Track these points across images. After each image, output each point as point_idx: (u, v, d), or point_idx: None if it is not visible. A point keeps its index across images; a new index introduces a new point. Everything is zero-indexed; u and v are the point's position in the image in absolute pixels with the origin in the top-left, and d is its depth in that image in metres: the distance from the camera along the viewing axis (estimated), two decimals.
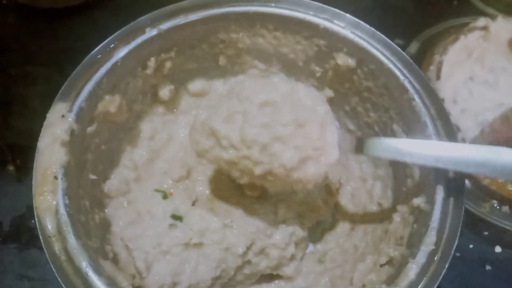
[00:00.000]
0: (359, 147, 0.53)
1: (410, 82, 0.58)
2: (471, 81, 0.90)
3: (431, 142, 0.53)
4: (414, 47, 0.93)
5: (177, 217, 0.62)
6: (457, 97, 0.88)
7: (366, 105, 0.67)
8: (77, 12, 0.97)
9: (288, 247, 0.60)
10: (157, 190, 0.65)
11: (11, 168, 0.81)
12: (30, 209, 0.76)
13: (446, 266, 0.48)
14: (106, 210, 0.60)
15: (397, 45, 0.92)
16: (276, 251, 0.60)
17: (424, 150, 0.49)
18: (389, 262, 0.53)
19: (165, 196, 0.65)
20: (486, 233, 0.76)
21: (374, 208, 0.65)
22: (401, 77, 0.59)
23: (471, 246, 0.75)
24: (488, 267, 0.74)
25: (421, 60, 0.88)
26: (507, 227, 0.75)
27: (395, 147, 0.50)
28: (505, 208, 0.76)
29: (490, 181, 0.75)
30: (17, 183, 0.79)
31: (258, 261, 0.60)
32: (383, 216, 0.63)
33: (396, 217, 0.58)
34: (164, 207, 0.63)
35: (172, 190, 0.66)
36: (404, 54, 0.61)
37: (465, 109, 0.87)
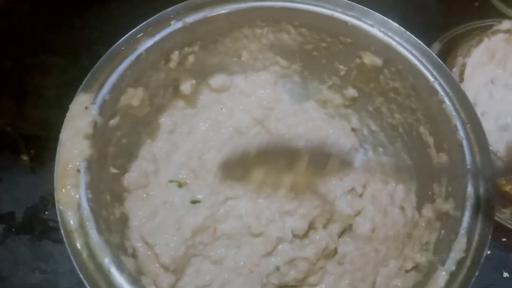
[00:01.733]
0: None
1: (440, 84, 0.57)
2: (492, 84, 0.89)
3: None
4: (436, 48, 0.91)
5: (195, 201, 0.62)
6: (478, 100, 0.87)
7: (391, 106, 0.65)
8: (94, 2, 0.95)
9: (318, 262, 0.60)
10: (171, 181, 0.65)
11: (25, 158, 0.80)
12: (43, 200, 0.75)
13: (476, 274, 0.47)
14: (125, 204, 0.59)
15: None
16: (306, 264, 0.59)
17: None
18: (415, 268, 0.52)
19: (180, 185, 0.64)
20: (504, 239, 0.75)
21: (396, 211, 0.64)
22: (431, 79, 0.57)
23: (489, 252, 0.74)
24: (505, 274, 0.73)
25: (443, 62, 0.86)
26: None
27: None
28: None
29: (511, 187, 0.74)
30: (31, 174, 0.78)
31: (287, 271, 0.59)
32: (405, 220, 0.62)
33: (422, 222, 0.57)
34: (181, 195, 0.63)
35: (187, 180, 0.65)
36: (434, 55, 0.59)
37: (486, 112, 0.86)
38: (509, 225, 0.75)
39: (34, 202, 0.75)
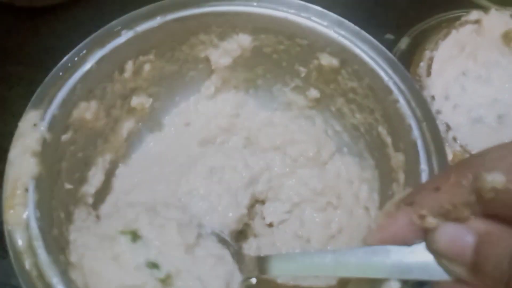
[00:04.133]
0: (262, 268, 0.50)
1: (394, 83, 0.56)
2: (463, 77, 0.88)
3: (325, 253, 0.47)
4: (404, 42, 0.90)
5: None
6: (449, 93, 0.86)
7: (351, 106, 0.65)
8: (58, 9, 0.94)
9: None
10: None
11: None
12: None
13: None
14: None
15: (388, 40, 0.92)
16: None
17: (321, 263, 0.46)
18: None
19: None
20: None
21: (360, 211, 0.63)
22: (386, 78, 0.57)
23: None
24: None
25: (412, 56, 0.86)
26: None
27: (294, 265, 0.48)
28: None
29: None
30: None
31: None
32: (369, 220, 0.62)
33: None
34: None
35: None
36: (390, 54, 0.58)
37: (458, 105, 0.85)
38: None
39: (1, 218, 0.74)
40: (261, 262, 0.50)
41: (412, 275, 0.42)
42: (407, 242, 0.41)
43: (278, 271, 0.50)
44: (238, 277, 0.52)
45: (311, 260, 0.46)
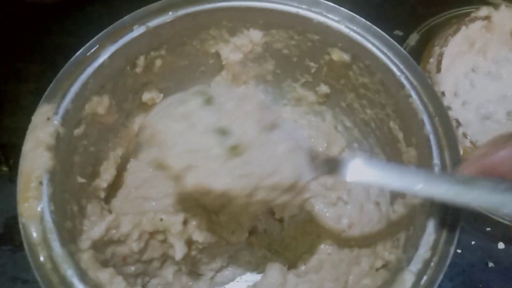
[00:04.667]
0: (334, 169, 0.47)
1: (406, 78, 0.56)
2: (473, 73, 0.88)
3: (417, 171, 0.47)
4: (413, 38, 0.90)
5: None
6: (459, 90, 0.86)
7: (362, 101, 0.65)
8: (69, 7, 0.94)
9: None
10: None
11: (4, 168, 0.79)
12: None
13: (444, 271, 0.46)
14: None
15: (397, 36, 0.92)
16: None
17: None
18: (385, 266, 0.52)
19: None
20: (488, 229, 0.74)
21: (371, 207, 0.63)
22: (398, 73, 0.57)
23: (473, 242, 0.74)
24: (490, 264, 0.72)
25: (421, 52, 0.86)
26: (510, 224, 0.73)
27: (373, 172, 0.46)
28: None
29: None
30: (10, 183, 0.78)
31: None
32: (380, 215, 0.62)
33: (394, 218, 0.56)
34: None
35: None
36: (401, 48, 0.59)
37: (467, 102, 0.85)
38: (490, 215, 0.74)
39: (14, 212, 0.73)
40: (337, 164, 0.47)
41: (506, 209, 0.40)
42: (504, 176, 0.39)
43: (356, 176, 0.46)
44: (310, 174, 0.48)
45: (399, 172, 0.44)
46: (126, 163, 0.67)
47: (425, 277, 0.45)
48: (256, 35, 0.65)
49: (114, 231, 0.55)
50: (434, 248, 0.47)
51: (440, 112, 0.54)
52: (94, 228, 0.53)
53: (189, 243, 0.58)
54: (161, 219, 0.56)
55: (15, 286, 0.70)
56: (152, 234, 0.57)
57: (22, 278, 0.70)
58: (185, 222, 0.57)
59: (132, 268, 0.58)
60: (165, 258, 0.60)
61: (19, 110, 0.83)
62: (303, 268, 0.62)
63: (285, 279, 0.58)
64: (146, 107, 0.67)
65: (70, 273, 0.45)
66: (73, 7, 0.95)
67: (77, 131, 0.55)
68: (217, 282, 0.64)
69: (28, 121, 0.54)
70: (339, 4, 0.62)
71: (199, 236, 0.56)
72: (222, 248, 0.61)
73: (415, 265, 0.46)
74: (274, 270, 0.59)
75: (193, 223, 0.57)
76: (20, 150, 0.77)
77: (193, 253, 0.59)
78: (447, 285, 0.70)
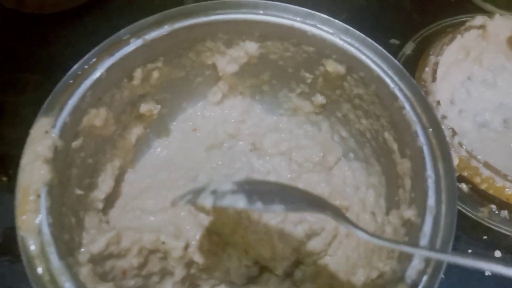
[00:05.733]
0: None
1: (400, 89, 0.57)
2: (469, 81, 0.89)
3: None
4: (409, 47, 0.91)
5: None
6: (455, 98, 0.86)
7: (357, 112, 0.65)
8: (67, 17, 0.95)
9: None
10: None
11: (4, 178, 0.80)
12: None
13: (438, 282, 0.47)
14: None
15: (393, 45, 0.93)
16: None
17: None
18: (380, 276, 0.52)
19: None
20: (485, 237, 0.75)
21: (367, 217, 0.64)
22: (391, 85, 0.57)
23: (469, 251, 0.74)
24: (487, 273, 0.72)
25: (417, 61, 0.86)
26: (507, 232, 0.73)
27: None
28: (504, 213, 0.75)
29: (488, 185, 0.73)
30: (9, 193, 0.78)
31: None
32: (376, 226, 0.62)
33: (388, 229, 0.56)
34: None
35: None
36: (395, 60, 0.59)
37: (463, 110, 0.85)
38: (487, 224, 0.74)
39: (13, 223, 0.74)
40: None
41: None
42: None
43: None
44: None
45: None
46: (124, 174, 0.67)
47: (421, 285, 0.45)
48: (252, 47, 0.66)
49: (114, 247, 0.55)
50: (428, 258, 0.47)
51: (433, 123, 0.55)
52: (94, 242, 0.54)
53: (189, 264, 0.59)
54: (163, 243, 0.57)
55: None
56: (152, 251, 0.58)
57: None
58: (186, 247, 0.58)
59: (132, 282, 0.58)
60: (164, 273, 0.60)
61: (18, 120, 0.84)
62: (299, 276, 0.63)
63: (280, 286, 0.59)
64: (143, 118, 0.68)
65: (67, 286, 0.45)
66: (71, 17, 0.96)
67: (75, 144, 0.56)
68: None
69: (27, 131, 0.54)
70: (336, 13, 0.63)
71: (199, 259, 0.58)
72: (221, 267, 0.61)
73: (410, 276, 0.46)
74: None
75: (193, 243, 0.58)
76: (19, 160, 0.79)
77: (193, 271, 0.59)
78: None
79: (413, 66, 0.86)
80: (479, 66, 0.89)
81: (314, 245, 0.62)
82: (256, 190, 0.44)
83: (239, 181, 0.45)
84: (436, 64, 0.81)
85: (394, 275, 0.49)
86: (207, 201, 0.44)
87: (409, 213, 0.52)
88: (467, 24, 0.86)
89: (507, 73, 0.89)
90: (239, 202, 0.42)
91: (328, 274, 0.61)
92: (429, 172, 0.52)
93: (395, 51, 0.91)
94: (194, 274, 0.60)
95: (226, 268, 0.61)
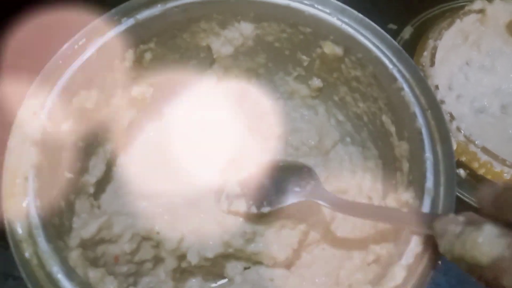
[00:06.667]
0: None
1: (399, 70, 0.56)
2: (467, 66, 0.87)
3: None
4: (407, 32, 0.89)
5: None
6: (453, 83, 0.85)
7: (355, 95, 0.64)
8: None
9: None
10: None
11: None
12: None
13: (436, 266, 0.46)
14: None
15: (391, 30, 0.91)
16: None
17: None
18: (377, 260, 0.51)
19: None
20: None
21: (364, 201, 0.63)
22: (390, 66, 0.56)
23: None
24: None
25: (415, 46, 0.85)
26: None
27: None
28: None
29: (486, 170, 0.73)
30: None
31: None
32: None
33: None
34: None
35: None
36: (394, 41, 0.58)
37: (461, 95, 0.84)
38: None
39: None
40: None
41: None
42: None
43: None
44: None
45: None
46: (115, 158, 0.66)
47: (417, 271, 0.44)
48: (247, 28, 0.64)
49: (106, 232, 0.54)
50: (426, 242, 0.46)
51: (432, 105, 0.54)
52: (86, 227, 0.53)
53: (181, 257, 0.58)
54: (158, 233, 0.56)
55: (6, 283, 0.69)
56: (145, 238, 0.57)
57: (14, 274, 0.69)
58: (181, 241, 0.57)
59: (125, 268, 0.58)
60: (157, 260, 0.59)
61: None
62: (296, 263, 0.62)
63: (275, 273, 0.58)
64: (136, 102, 0.66)
65: (55, 270, 0.44)
66: None
67: (65, 126, 0.54)
68: (209, 279, 0.63)
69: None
70: None
71: (192, 257, 0.57)
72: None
73: (407, 260, 0.45)
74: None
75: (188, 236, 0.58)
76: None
77: (184, 265, 0.59)
78: (441, 280, 0.70)
79: (411, 51, 0.84)
80: (477, 51, 0.88)
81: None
82: (252, 195, 0.60)
83: (242, 181, 0.62)
84: (435, 48, 0.80)
85: (391, 259, 0.48)
86: (223, 205, 0.60)
87: (407, 196, 0.51)
88: (466, 8, 0.85)
89: (505, 58, 0.88)
90: (242, 207, 0.59)
91: (324, 259, 0.60)
92: (428, 154, 0.51)
93: (393, 36, 0.87)
94: (185, 268, 0.60)
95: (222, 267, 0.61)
